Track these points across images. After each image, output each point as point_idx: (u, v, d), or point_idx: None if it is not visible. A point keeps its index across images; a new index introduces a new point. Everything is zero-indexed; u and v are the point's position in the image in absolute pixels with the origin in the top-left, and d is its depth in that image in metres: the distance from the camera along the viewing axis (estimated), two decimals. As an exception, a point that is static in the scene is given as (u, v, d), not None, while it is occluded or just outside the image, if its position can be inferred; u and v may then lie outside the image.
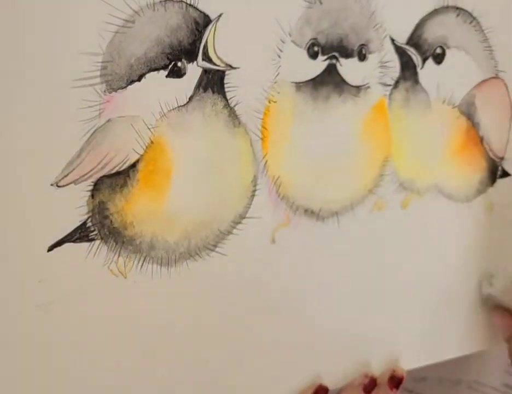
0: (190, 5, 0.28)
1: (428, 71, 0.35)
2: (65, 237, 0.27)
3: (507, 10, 0.37)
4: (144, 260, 0.29)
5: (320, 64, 0.32)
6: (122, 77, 0.27)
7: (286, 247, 0.32)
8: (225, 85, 0.30)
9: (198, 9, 0.28)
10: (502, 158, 0.39)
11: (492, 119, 0.38)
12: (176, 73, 0.28)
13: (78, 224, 0.27)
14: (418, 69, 0.35)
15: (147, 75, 0.28)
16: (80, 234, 0.27)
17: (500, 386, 0.47)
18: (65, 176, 0.26)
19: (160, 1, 0.28)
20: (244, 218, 0.31)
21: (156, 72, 0.28)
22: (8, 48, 0.25)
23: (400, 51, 0.34)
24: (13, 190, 0.26)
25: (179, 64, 0.28)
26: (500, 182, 0.39)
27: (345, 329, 0.35)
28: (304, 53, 0.31)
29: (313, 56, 0.32)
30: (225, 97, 0.30)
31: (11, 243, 0.26)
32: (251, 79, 0.30)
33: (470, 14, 0.36)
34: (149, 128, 0.28)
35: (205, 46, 0.29)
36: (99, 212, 0.27)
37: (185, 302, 0.30)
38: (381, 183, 0.35)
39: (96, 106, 0.27)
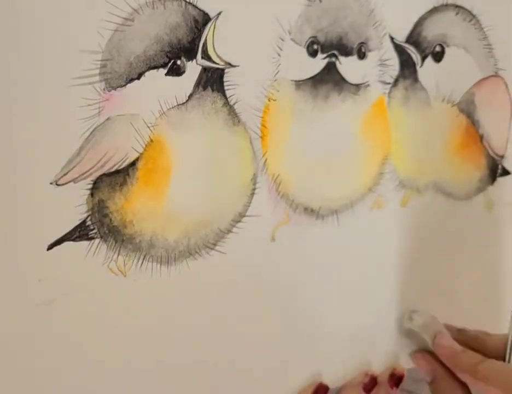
0: (189, 3, 0.28)
1: (427, 70, 0.35)
2: (65, 235, 0.27)
3: (506, 8, 0.37)
4: (143, 259, 0.29)
5: (320, 62, 0.32)
6: (122, 76, 0.27)
7: (286, 245, 0.32)
8: (225, 83, 0.30)
9: (197, 7, 0.28)
10: (502, 157, 0.39)
11: (491, 117, 0.38)
12: (176, 71, 0.28)
13: (78, 222, 0.27)
14: (418, 67, 0.35)
15: (146, 73, 0.28)
16: (79, 233, 0.27)
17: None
18: (65, 174, 0.26)
19: (159, 0, 0.28)
20: (244, 216, 0.31)
21: (155, 70, 0.28)
22: (7, 47, 0.25)
23: (399, 49, 0.34)
24: (13, 189, 0.26)
25: (179, 62, 0.28)
26: (500, 180, 0.39)
27: (345, 328, 0.34)
28: (303, 52, 0.31)
29: (313, 54, 0.32)
30: (224, 95, 0.30)
31: (10, 241, 0.26)
32: (250, 77, 0.30)
33: (470, 12, 0.36)
34: (148, 127, 0.28)
35: (205, 44, 0.29)
36: (98, 210, 0.27)
37: (185, 301, 0.30)
38: (381, 181, 0.35)
39: (95, 105, 0.27)
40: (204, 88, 0.29)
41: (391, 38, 0.34)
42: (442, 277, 0.38)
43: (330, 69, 0.32)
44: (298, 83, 0.32)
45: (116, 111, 0.27)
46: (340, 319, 0.34)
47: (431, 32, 0.35)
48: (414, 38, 0.35)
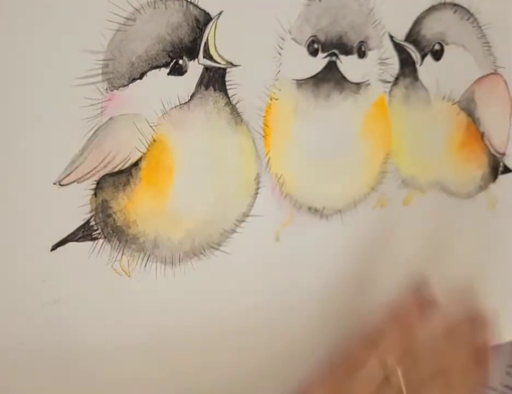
0: (191, 3, 0.28)
1: (427, 68, 0.35)
2: (69, 236, 0.26)
3: (504, 6, 0.38)
4: (148, 259, 0.28)
5: (321, 61, 0.32)
6: (124, 75, 0.27)
7: (291, 244, 0.32)
8: (227, 83, 0.30)
9: (198, 7, 0.29)
10: (503, 154, 0.39)
11: (491, 114, 0.38)
12: (178, 71, 0.28)
13: (81, 222, 0.27)
14: (417, 66, 0.35)
15: (148, 73, 0.28)
16: (83, 233, 0.27)
17: (500, 387, 0.47)
18: (68, 175, 0.26)
19: (161, -1, 0.28)
20: (248, 216, 0.31)
21: (157, 70, 0.28)
22: (10, 47, 0.25)
23: (398, 47, 0.34)
24: (16, 190, 0.25)
25: (180, 62, 0.28)
26: (502, 178, 0.39)
27: (350, 326, 0.34)
28: (304, 51, 0.32)
29: (313, 53, 0.32)
30: (226, 94, 0.30)
31: (14, 242, 0.25)
32: (252, 76, 0.30)
33: (467, 10, 0.36)
34: (151, 126, 0.28)
35: (206, 44, 0.29)
36: (102, 210, 0.27)
37: (190, 301, 0.29)
38: (383, 180, 0.35)
39: (97, 105, 0.27)
40: (206, 87, 0.29)
41: (391, 37, 0.34)
42: (445, 275, 0.38)
43: (331, 68, 0.32)
44: (300, 83, 0.32)
45: (118, 111, 0.27)
46: (345, 317, 0.34)
47: (430, 30, 0.35)
48: (413, 36, 0.35)
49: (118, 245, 0.28)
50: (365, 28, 0.33)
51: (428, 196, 0.37)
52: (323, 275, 0.33)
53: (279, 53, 0.31)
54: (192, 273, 0.29)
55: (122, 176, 0.27)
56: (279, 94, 0.31)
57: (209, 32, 0.29)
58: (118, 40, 0.27)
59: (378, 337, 0.31)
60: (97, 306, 0.27)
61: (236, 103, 0.30)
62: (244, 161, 0.31)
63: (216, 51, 0.29)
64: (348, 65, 0.33)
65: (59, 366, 0.27)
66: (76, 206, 0.26)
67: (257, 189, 0.31)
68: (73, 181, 0.26)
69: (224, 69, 0.29)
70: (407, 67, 0.35)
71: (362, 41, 0.33)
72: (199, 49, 0.29)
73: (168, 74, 0.28)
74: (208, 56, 0.29)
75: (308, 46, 0.32)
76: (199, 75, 0.29)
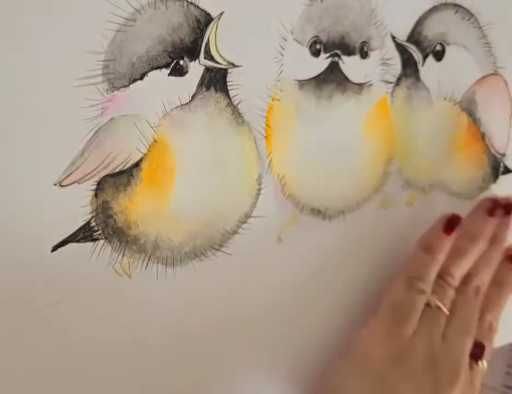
0: (191, 3, 0.28)
1: (428, 68, 0.35)
2: (69, 237, 0.26)
3: (505, 7, 0.38)
4: (148, 260, 0.28)
5: (323, 62, 0.32)
6: (124, 76, 0.27)
7: (293, 246, 0.32)
8: (228, 83, 0.29)
9: (199, 7, 0.28)
10: (504, 155, 0.39)
11: (492, 115, 0.38)
12: (179, 71, 0.28)
13: (82, 223, 0.26)
14: (419, 66, 0.35)
15: (149, 74, 0.27)
16: (83, 234, 0.26)
17: (500, 387, 0.47)
18: (69, 175, 0.26)
19: (161, 0, 0.28)
20: (250, 217, 0.31)
21: (158, 70, 0.28)
22: (10, 48, 0.25)
23: (400, 48, 0.34)
24: (16, 190, 0.25)
25: (181, 62, 0.28)
26: (502, 178, 0.39)
27: (351, 329, 0.34)
28: (306, 51, 0.31)
29: (315, 53, 0.32)
30: (228, 95, 0.30)
31: (14, 243, 0.25)
32: (254, 77, 0.30)
33: (468, 11, 0.36)
34: (152, 127, 0.28)
35: (207, 44, 0.29)
36: (102, 211, 0.27)
37: (191, 303, 0.29)
38: (386, 181, 0.35)
39: (98, 105, 0.26)
40: (208, 88, 0.29)
41: (393, 37, 0.34)
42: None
43: (333, 68, 0.32)
44: (302, 83, 0.32)
45: (119, 112, 0.27)
46: (346, 320, 0.34)
47: (431, 30, 0.35)
48: (415, 37, 0.35)
49: (119, 246, 0.27)
50: (367, 28, 0.33)
51: (430, 196, 0.37)
52: (326, 276, 0.33)
53: (281, 54, 0.31)
54: (193, 274, 0.29)
55: (123, 177, 0.27)
56: (281, 95, 0.31)
57: (210, 33, 0.29)
58: (119, 41, 0.27)
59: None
60: (97, 307, 0.27)
61: (238, 104, 0.30)
62: (245, 161, 0.30)
63: (218, 51, 0.29)
64: (350, 66, 0.33)
65: (59, 367, 0.26)
66: (77, 207, 0.26)
67: (259, 189, 0.31)
68: (74, 182, 0.26)
69: (225, 70, 0.29)
70: (409, 67, 0.35)
71: (364, 42, 0.33)
72: (200, 50, 0.28)
73: (169, 74, 0.28)
74: (209, 56, 0.29)
75: (310, 47, 0.31)
76: (200, 76, 0.29)
